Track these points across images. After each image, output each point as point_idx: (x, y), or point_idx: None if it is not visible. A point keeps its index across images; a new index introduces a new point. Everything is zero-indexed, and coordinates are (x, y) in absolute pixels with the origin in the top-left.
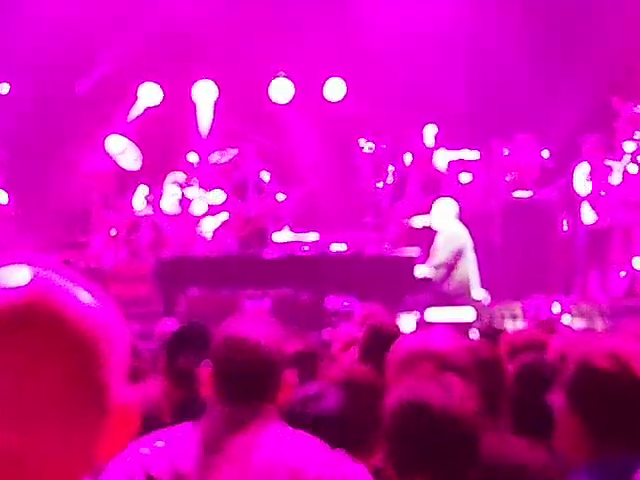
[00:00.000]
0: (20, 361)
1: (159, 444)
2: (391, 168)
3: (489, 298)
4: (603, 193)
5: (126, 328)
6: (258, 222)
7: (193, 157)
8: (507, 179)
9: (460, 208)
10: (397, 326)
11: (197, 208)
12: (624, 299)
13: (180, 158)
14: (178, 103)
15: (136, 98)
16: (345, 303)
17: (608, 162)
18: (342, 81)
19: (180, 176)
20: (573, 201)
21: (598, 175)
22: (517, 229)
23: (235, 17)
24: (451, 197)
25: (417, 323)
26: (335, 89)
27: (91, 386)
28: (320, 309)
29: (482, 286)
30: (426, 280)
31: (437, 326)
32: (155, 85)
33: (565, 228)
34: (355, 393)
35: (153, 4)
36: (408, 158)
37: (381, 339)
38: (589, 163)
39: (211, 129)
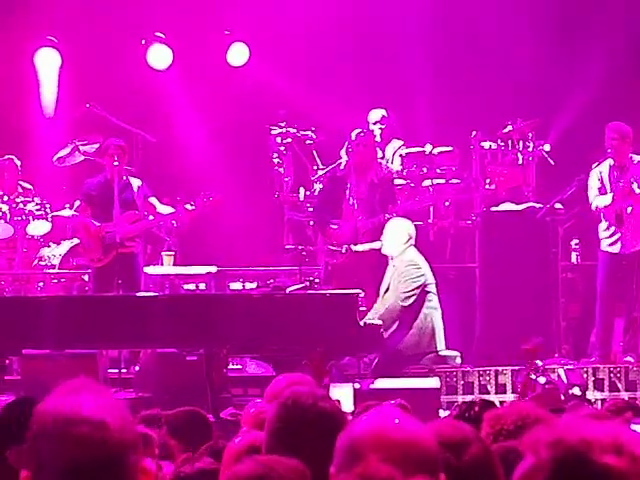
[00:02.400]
0: None
1: None
2: (321, 171)
3: (461, 359)
4: (630, 209)
5: None
6: (125, 247)
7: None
8: (489, 185)
9: (419, 229)
10: (325, 403)
11: (36, 229)
12: None
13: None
14: (8, 78)
15: None
16: (253, 368)
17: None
18: (246, 45)
19: (9, 184)
20: (586, 217)
21: (625, 177)
22: (504, 259)
23: None
24: (406, 215)
25: (356, 397)
26: (239, 54)
27: None
28: (217, 377)
29: (453, 343)
30: (373, 332)
31: (389, 404)
32: None
33: (576, 258)
34: None
35: None
36: (344, 156)
37: (294, 423)
38: (613, 160)
39: (56, 113)
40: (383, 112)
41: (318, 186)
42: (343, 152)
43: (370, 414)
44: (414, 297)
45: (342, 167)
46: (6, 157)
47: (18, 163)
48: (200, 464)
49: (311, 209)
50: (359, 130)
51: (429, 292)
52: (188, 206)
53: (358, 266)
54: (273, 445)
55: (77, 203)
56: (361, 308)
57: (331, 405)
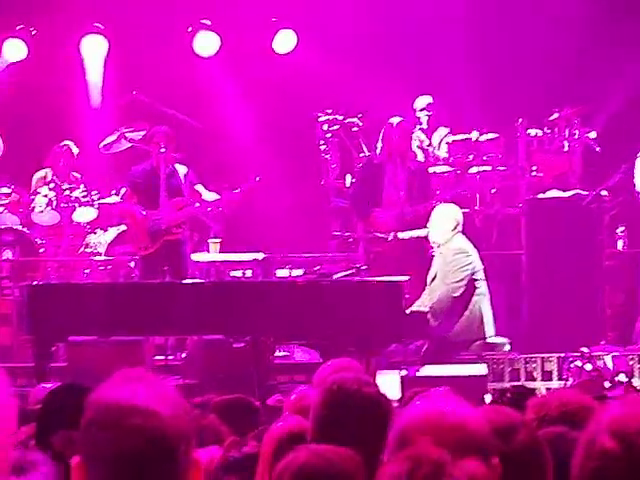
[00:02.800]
0: None
1: None
2: (373, 153)
3: (510, 346)
4: None
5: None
6: (172, 234)
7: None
8: (535, 173)
9: (465, 216)
10: (370, 389)
11: (82, 216)
12: None
13: (57, 144)
14: (54, 65)
15: None
16: (299, 355)
17: None
18: (293, 33)
19: (63, 171)
20: (635, 205)
21: None
22: (550, 246)
23: None
24: (453, 201)
25: (403, 384)
26: (285, 41)
27: None
28: (264, 365)
29: (500, 330)
30: (420, 320)
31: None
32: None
33: (621, 245)
34: None
35: None
36: (380, 143)
37: (339, 409)
38: None
39: (102, 101)
40: (429, 99)
41: (349, 177)
42: (379, 140)
43: (421, 401)
44: (464, 286)
45: (378, 154)
46: (63, 143)
47: (75, 151)
48: (247, 448)
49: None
50: (396, 118)
51: (477, 279)
52: (234, 191)
53: (403, 253)
54: (318, 431)
55: (123, 191)
56: (406, 295)
57: (376, 391)
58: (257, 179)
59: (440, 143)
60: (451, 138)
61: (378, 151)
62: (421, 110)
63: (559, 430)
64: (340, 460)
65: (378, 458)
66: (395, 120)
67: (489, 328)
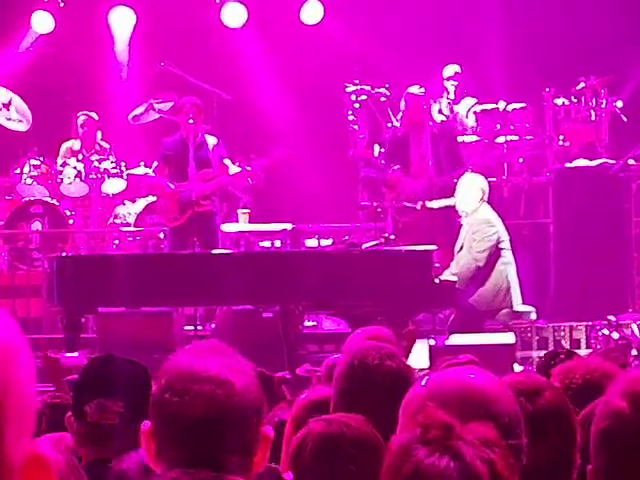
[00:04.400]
0: None
1: None
2: (394, 126)
3: (536, 315)
4: None
5: (29, 366)
6: (201, 206)
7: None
8: (562, 142)
9: (493, 186)
10: (392, 361)
11: (111, 187)
12: None
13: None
14: (83, 37)
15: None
16: (328, 324)
17: None
18: (320, 4)
19: (87, 140)
20: None
21: None
22: (579, 216)
23: None
24: (480, 171)
25: (431, 353)
26: (313, 11)
27: None
28: (293, 334)
29: (528, 299)
30: (448, 289)
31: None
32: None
33: None
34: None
35: None
36: (418, 112)
37: (361, 382)
38: None
39: (130, 72)
40: (457, 68)
41: (377, 147)
42: (400, 111)
43: (432, 373)
44: (488, 256)
45: (399, 125)
46: (83, 113)
47: (96, 118)
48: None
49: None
50: (413, 87)
51: (503, 248)
52: (247, 167)
53: (432, 223)
54: (340, 404)
55: (155, 164)
56: (435, 264)
57: (398, 363)
58: (288, 151)
59: (468, 112)
60: (479, 107)
61: (398, 123)
62: (447, 79)
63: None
64: (357, 426)
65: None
66: (412, 89)
67: (516, 297)
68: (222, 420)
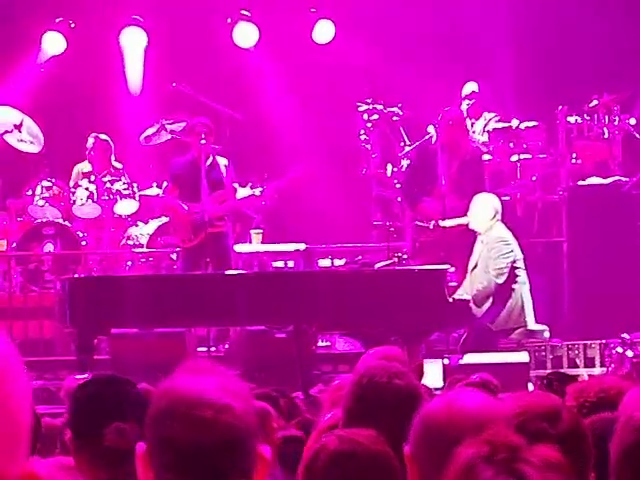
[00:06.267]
0: None
1: None
2: (408, 147)
3: (549, 333)
4: None
5: (23, 385)
6: (214, 227)
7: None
8: (575, 160)
9: (507, 204)
10: (400, 380)
11: (123, 208)
12: None
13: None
14: (94, 58)
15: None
16: (342, 345)
17: None
18: (331, 23)
19: (98, 162)
20: None
21: None
22: (591, 233)
23: None
24: (494, 191)
25: (445, 373)
26: (324, 31)
27: None
28: (306, 355)
29: (541, 317)
30: (462, 308)
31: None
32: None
33: None
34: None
35: None
36: (432, 131)
37: (370, 402)
38: None
39: (142, 93)
40: (474, 87)
41: (406, 162)
42: (431, 128)
43: (443, 392)
44: (506, 274)
45: (433, 142)
46: (94, 135)
47: (104, 138)
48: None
49: (399, 185)
50: (448, 108)
51: (518, 267)
52: (256, 191)
53: (446, 242)
54: (349, 423)
55: (165, 184)
56: (451, 284)
57: (407, 382)
58: (302, 171)
59: (484, 128)
60: (492, 126)
61: (433, 140)
62: (464, 98)
63: (602, 416)
64: (369, 442)
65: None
66: (448, 109)
67: (530, 316)
68: (223, 445)
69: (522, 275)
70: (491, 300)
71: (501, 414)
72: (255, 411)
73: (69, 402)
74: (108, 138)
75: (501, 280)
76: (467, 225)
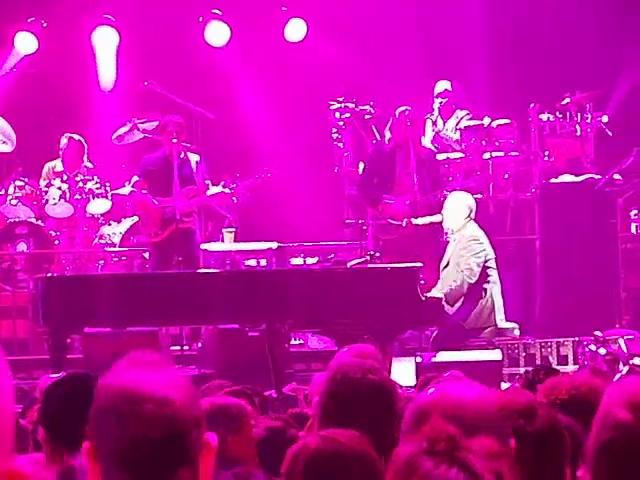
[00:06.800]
0: None
1: None
2: (379, 141)
3: (519, 331)
4: None
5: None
6: (183, 223)
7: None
8: (548, 158)
9: (479, 202)
10: (374, 375)
11: (96, 207)
12: None
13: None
14: (66, 57)
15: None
16: (315, 343)
17: None
18: (303, 21)
19: (70, 162)
20: None
21: None
22: (564, 231)
23: None
24: (466, 188)
25: (418, 371)
26: (296, 30)
27: None
28: (279, 353)
29: (514, 315)
30: (434, 306)
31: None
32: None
33: (635, 228)
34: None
35: None
36: (388, 133)
37: (345, 397)
38: None
39: (114, 92)
40: (446, 85)
41: (362, 164)
42: (387, 129)
43: (436, 384)
44: (478, 273)
45: (387, 142)
46: (67, 135)
47: (77, 138)
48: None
49: (356, 187)
50: (403, 108)
51: (489, 267)
52: (226, 190)
53: (417, 240)
54: (325, 419)
55: (135, 178)
56: (421, 282)
57: (380, 377)
58: (267, 175)
59: (456, 126)
60: (463, 124)
61: (387, 139)
62: (436, 96)
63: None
64: (350, 442)
65: (386, 444)
66: (404, 109)
67: (500, 315)
68: (165, 438)
69: (494, 275)
70: (463, 299)
71: (494, 403)
72: (197, 401)
73: (42, 400)
74: (81, 138)
75: (473, 280)
76: (439, 223)
